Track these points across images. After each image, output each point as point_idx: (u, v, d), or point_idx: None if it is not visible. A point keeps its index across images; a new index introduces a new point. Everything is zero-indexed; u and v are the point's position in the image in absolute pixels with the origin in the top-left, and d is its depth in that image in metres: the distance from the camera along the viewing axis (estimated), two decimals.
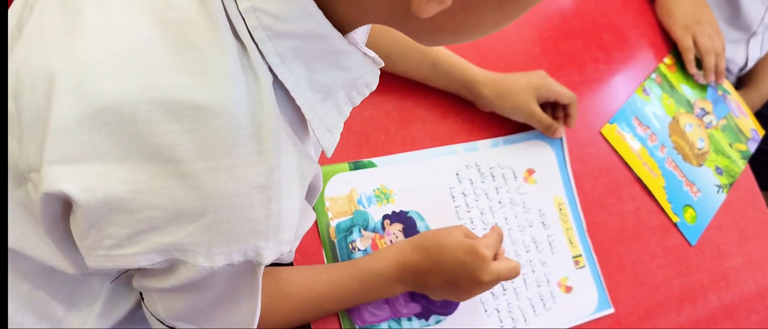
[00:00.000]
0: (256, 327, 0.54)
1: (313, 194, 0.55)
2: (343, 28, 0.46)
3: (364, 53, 0.48)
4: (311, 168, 0.48)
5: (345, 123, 0.80)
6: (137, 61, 0.40)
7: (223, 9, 0.42)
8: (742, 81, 1.40)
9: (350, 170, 0.79)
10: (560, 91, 0.88)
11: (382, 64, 0.51)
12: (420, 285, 0.72)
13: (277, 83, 0.44)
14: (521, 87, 0.87)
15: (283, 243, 0.45)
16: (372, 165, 0.80)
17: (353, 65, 0.48)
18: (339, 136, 0.51)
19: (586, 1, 1.08)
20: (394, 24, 0.47)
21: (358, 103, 0.51)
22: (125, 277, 0.60)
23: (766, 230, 1.06)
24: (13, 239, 0.50)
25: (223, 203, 0.41)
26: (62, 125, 0.40)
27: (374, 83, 0.51)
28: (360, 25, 0.48)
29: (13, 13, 0.53)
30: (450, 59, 0.86)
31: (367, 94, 0.51)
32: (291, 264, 0.70)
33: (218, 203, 0.41)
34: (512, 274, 0.71)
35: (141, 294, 0.55)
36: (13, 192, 0.48)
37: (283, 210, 0.44)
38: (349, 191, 0.78)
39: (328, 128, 0.49)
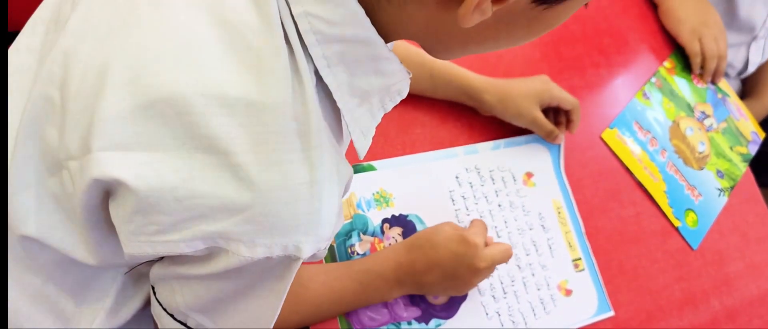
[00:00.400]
0: (273, 325, 0.55)
1: (343, 196, 0.56)
2: (384, 36, 0.47)
3: (399, 61, 0.50)
4: (347, 170, 0.50)
5: None
6: (194, 57, 0.42)
7: (278, 12, 0.43)
8: (746, 91, 1.39)
9: None
10: (563, 96, 0.88)
11: (410, 74, 0.53)
12: (419, 286, 0.73)
13: (319, 86, 0.46)
14: (524, 93, 0.87)
15: (322, 240, 0.47)
16: (372, 169, 0.80)
17: (391, 72, 0.49)
18: (371, 140, 0.53)
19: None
20: (426, 36, 0.49)
21: (389, 109, 0.53)
22: (135, 273, 0.60)
23: None
24: (38, 228, 0.51)
25: (270, 196, 0.43)
26: (116, 114, 0.42)
27: (406, 90, 0.53)
28: (397, 38, 0.50)
29: (45, 7, 0.54)
30: (447, 68, 0.86)
31: (398, 101, 0.54)
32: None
33: (266, 196, 0.43)
34: (505, 256, 0.74)
35: (153, 288, 0.56)
36: (46, 181, 0.49)
37: (324, 207, 0.45)
38: (349, 195, 0.78)
39: (362, 131, 0.51)
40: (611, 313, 0.87)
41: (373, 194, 0.79)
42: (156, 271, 0.54)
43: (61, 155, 0.47)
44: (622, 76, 1.05)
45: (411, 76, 0.53)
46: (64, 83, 0.46)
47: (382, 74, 0.49)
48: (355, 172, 0.79)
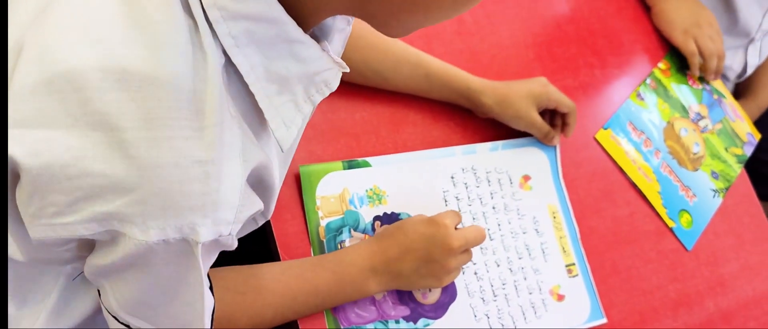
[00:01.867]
0: (208, 322, 0.53)
1: (263, 189, 0.54)
2: (306, 19, 0.46)
3: (324, 50, 0.49)
4: (256, 154, 0.48)
5: (337, 124, 0.81)
6: (98, 33, 0.42)
7: None
8: (741, 91, 1.39)
9: (344, 168, 0.78)
10: (561, 99, 0.88)
11: (346, 69, 0.52)
12: (396, 275, 0.72)
13: (232, 69, 0.45)
14: (522, 95, 0.87)
15: (221, 223, 0.45)
16: (367, 165, 0.80)
17: (310, 58, 0.48)
18: (296, 132, 0.51)
19: (580, 7, 1.08)
20: (356, 12, 0.47)
21: (317, 101, 0.51)
22: (77, 272, 0.59)
23: (763, 235, 1.05)
24: None
25: (160, 174, 0.41)
26: (20, 90, 0.42)
27: (334, 82, 0.51)
28: (324, 16, 0.48)
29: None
30: (444, 69, 0.85)
31: (327, 93, 0.51)
32: (265, 250, 0.68)
33: (155, 173, 0.41)
34: (479, 237, 0.74)
35: (99, 292, 0.54)
36: None
37: (222, 187, 0.44)
38: (342, 190, 0.77)
39: (284, 121, 0.49)
40: (604, 320, 0.86)
41: (367, 191, 0.79)
42: (86, 271, 0.52)
43: None
44: (616, 77, 1.05)
45: (346, 70, 0.51)
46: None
47: (299, 60, 0.47)
48: (350, 168, 0.79)
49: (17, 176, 0.44)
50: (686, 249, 0.97)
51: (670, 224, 0.97)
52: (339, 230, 0.75)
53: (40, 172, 0.41)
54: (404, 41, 0.84)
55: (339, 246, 0.75)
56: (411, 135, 0.86)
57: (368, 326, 0.73)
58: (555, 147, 0.93)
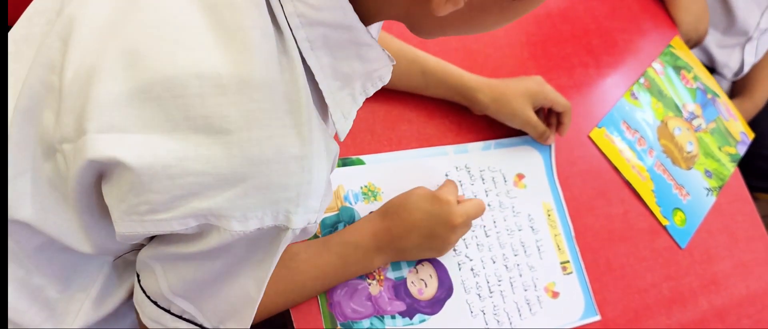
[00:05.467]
0: (253, 313, 0.55)
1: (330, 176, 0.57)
2: (365, 20, 0.49)
3: (382, 48, 0.52)
4: (335, 147, 0.52)
5: None
6: (188, 41, 0.44)
7: None
8: (736, 90, 1.40)
9: (338, 166, 0.79)
10: (556, 98, 0.88)
11: (394, 62, 0.55)
12: (399, 251, 0.74)
13: (306, 69, 0.48)
14: (518, 93, 0.87)
15: (311, 211, 0.48)
16: (361, 162, 0.80)
17: (372, 58, 0.52)
18: (352, 122, 0.54)
19: (574, 6, 1.09)
20: (406, 19, 0.51)
21: (371, 94, 0.55)
22: (122, 261, 0.61)
23: (756, 233, 1.06)
24: (34, 213, 0.52)
25: (262, 170, 0.44)
26: (112, 97, 0.44)
27: (387, 76, 0.55)
28: (380, 19, 0.52)
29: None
30: (440, 66, 0.86)
31: (380, 86, 0.55)
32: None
33: (257, 170, 0.44)
34: (479, 210, 0.77)
35: (138, 275, 0.56)
36: (42, 165, 0.51)
37: (314, 179, 0.47)
38: (337, 187, 0.78)
39: (343, 113, 0.53)
40: (598, 317, 0.87)
41: (361, 188, 0.79)
42: (143, 255, 0.54)
43: (55, 138, 0.48)
44: (610, 76, 1.06)
45: (394, 63, 0.55)
46: (63, 68, 0.47)
47: (363, 60, 0.51)
48: (344, 165, 0.79)
49: (104, 175, 0.47)
50: (680, 247, 0.97)
51: (664, 222, 0.97)
52: (334, 226, 0.75)
53: (143, 172, 0.44)
54: (400, 39, 0.85)
55: None
56: (406, 132, 0.86)
57: (364, 321, 0.73)
58: (549, 146, 0.93)
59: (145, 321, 0.57)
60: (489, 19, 0.50)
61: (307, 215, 0.48)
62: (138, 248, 0.57)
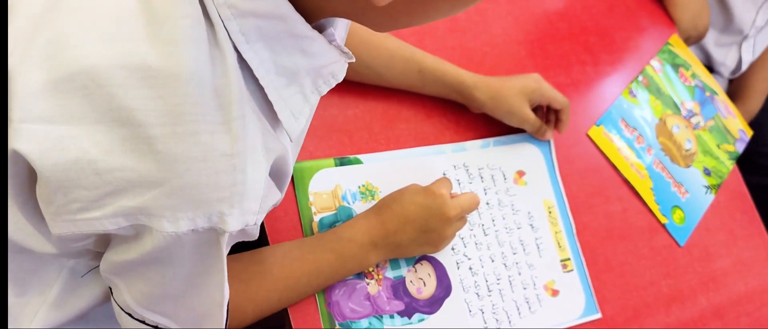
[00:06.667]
0: (225, 313, 0.54)
1: (280, 177, 0.55)
2: (308, 16, 0.47)
3: (330, 42, 0.50)
4: (276, 145, 0.49)
5: (328, 121, 0.81)
6: (117, 31, 0.42)
7: None
8: (732, 91, 1.40)
9: (336, 165, 0.78)
10: (554, 95, 0.88)
11: (353, 59, 0.53)
12: (395, 247, 0.73)
13: (244, 64, 0.46)
14: (515, 91, 0.87)
15: (248, 213, 0.46)
16: (358, 162, 0.80)
17: (317, 52, 0.49)
18: (304, 122, 0.52)
19: (572, 4, 1.09)
20: (355, 14, 0.49)
21: (324, 92, 0.52)
22: (83, 265, 0.59)
23: (755, 231, 1.06)
24: None
25: (188, 167, 0.42)
26: (36, 86, 0.42)
27: (341, 74, 0.53)
28: (325, 16, 0.49)
29: None
30: (437, 64, 0.85)
31: (334, 84, 0.53)
32: (258, 244, 0.69)
33: (184, 167, 0.42)
34: (473, 203, 0.77)
35: (111, 289, 0.55)
36: None
37: (248, 179, 0.45)
38: (334, 186, 0.77)
39: (292, 112, 0.50)
40: (598, 316, 0.86)
41: (359, 187, 0.78)
42: (101, 269, 0.53)
43: None
44: (608, 74, 1.06)
45: (352, 60, 0.52)
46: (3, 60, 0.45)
47: (306, 54, 0.48)
48: (342, 165, 0.79)
49: (34, 173, 0.44)
50: (679, 245, 0.97)
51: (663, 220, 0.97)
52: (332, 226, 0.75)
53: (67, 167, 0.42)
54: (397, 37, 0.84)
55: None
56: (403, 131, 0.85)
57: (362, 321, 0.72)
58: (549, 142, 0.93)
59: None
60: (441, 3, 0.47)
61: (244, 218, 0.46)
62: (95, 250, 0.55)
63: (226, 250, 0.49)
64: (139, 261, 0.48)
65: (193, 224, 0.44)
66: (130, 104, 0.41)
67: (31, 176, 0.46)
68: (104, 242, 0.51)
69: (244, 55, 0.45)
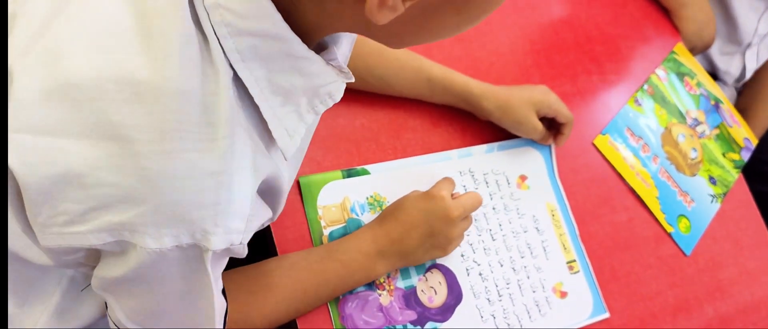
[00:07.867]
0: (221, 325, 0.53)
1: (273, 195, 0.55)
2: (310, 34, 0.47)
3: (327, 62, 0.49)
4: (266, 165, 0.49)
5: (337, 131, 0.81)
6: (112, 43, 0.42)
7: (190, 2, 0.44)
8: (742, 102, 1.39)
9: (343, 177, 0.78)
10: (560, 109, 0.89)
11: (352, 79, 0.52)
12: (402, 254, 0.73)
13: (240, 82, 0.45)
14: (523, 101, 0.87)
15: (232, 232, 0.46)
16: (365, 173, 0.80)
17: (315, 72, 0.49)
18: (299, 141, 0.51)
19: (577, 14, 1.09)
20: (360, 31, 0.49)
21: (320, 112, 0.52)
22: (82, 276, 0.59)
23: (761, 240, 1.06)
24: None
25: (173, 185, 0.42)
26: (29, 94, 0.42)
27: (338, 94, 0.52)
28: (327, 33, 0.49)
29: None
30: (446, 74, 0.86)
31: (331, 104, 0.52)
32: (246, 262, 0.69)
33: (168, 185, 0.42)
34: (476, 201, 0.77)
35: (106, 304, 0.54)
36: None
37: (234, 198, 0.45)
38: (343, 199, 0.77)
39: (287, 131, 0.50)
40: (607, 315, 0.87)
41: (367, 198, 0.79)
42: (93, 284, 0.52)
43: None
44: (613, 83, 1.06)
45: (351, 80, 0.52)
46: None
47: (303, 74, 0.48)
48: (349, 176, 0.79)
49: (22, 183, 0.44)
50: (685, 255, 0.97)
51: (669, 229, 0.97)
52: None
53: (56, 179, 0.42)
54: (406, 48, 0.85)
55: None
56: (410, 141, 0.86)
57: None
58: (549, 146, 0.94)
59: None
60: (447, 22, 0.46)
61: (229, 236, 0.45)
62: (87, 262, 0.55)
63: (213, 266, 0.48)
64: (126, 278, 0.47)
65: (177, 241, 0.44)
66: (118, 120, 0.41)
67: (18, 189, 0.45)
68: (95, 256, 0.50)
69: (239, 73, 0.45)
